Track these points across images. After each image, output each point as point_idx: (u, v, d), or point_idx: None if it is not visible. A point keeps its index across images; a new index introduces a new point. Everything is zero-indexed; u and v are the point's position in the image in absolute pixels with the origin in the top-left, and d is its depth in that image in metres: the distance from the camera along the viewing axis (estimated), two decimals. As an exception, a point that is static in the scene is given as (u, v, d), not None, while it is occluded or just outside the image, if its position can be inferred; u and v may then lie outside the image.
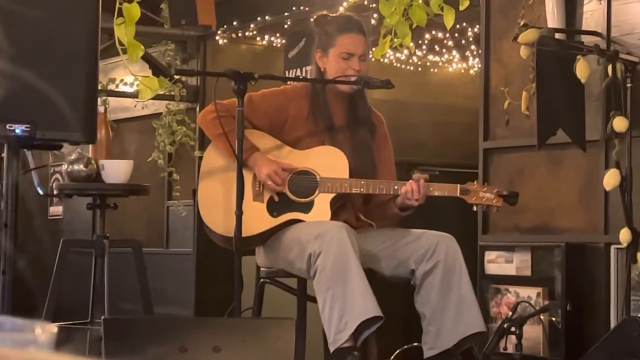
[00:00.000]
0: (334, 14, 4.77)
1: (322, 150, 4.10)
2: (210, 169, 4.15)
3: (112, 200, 5.34)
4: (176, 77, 7.07)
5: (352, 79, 4.06)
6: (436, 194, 4.03)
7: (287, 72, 7.07)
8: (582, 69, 4.39)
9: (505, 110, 5.19)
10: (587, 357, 4.06)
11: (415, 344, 4.27)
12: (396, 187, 4.04)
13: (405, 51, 7.48)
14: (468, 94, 7.53)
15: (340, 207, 4.10)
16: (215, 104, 3.96)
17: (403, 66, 8.12)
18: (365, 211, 4.21)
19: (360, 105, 4.18)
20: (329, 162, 4.08)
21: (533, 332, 4.85)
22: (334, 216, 4.04)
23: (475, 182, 4.11)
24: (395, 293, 4.34)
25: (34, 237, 8.41)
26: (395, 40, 4.70)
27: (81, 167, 5.29)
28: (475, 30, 7.11)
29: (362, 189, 4.03)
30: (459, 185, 4.05)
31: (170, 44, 7.66)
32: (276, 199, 4.06)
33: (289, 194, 4.07)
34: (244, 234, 3.77)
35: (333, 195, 4.04)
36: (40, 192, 5.30)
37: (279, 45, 7.57)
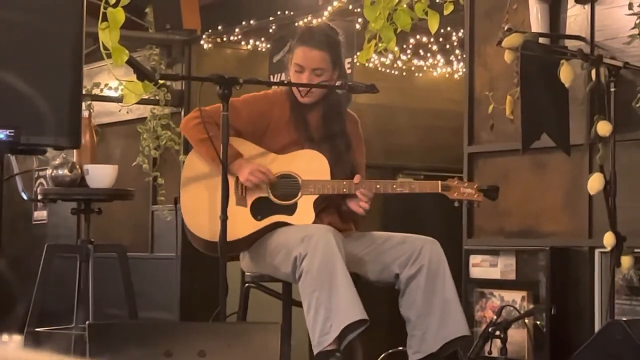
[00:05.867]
0: (315, 25, 4.79)
1: (303, 154, 4.11)
2: (192, 175, 4.14)
3: (97, 205, 5.33)
4: (161, 81, 7.06)
5: (337, 83, 4.06)
6: (418, 192, 4.06)
7: (271, 76, 7.07)
8: (566, 73, 4.40)
9: (489, 115, 5.20)
10: (571, 361, 4.06)
11: (400, 348, 4.28)
12: (378, 187, 4.06)
13: (390, 56, 7.49)
14: (453, 98, 7.55)
15: (322, 210, 4.10)
16: (199, 109, 3.96)
17: (388, 70, 8.13)
18: (347, 213, 4.22)
19: (335, 115, 4.18)
20: (309, 164, 4.09)
21: (518, 336, 4.86)
22: (318, 219, 4.05)
23: (455, 178, 4.13)
24: (380, 297, 4.34)
25: (18, 242, 8.38)
26: (380, 44, 4.71)
27: (65, 171, 5.27)
28: (460, 34, 7.13)
29: (344, 190, 4.04)
30: (440, 181, 4.08)
31: (155, 48, 7.65)
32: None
33: (272, 197, 4.07)
34: (229, 239, 3.76)
35: (316, 196, 4.05)
36: (25, 197, 5.28)
37: (263, 49, 7.57)
